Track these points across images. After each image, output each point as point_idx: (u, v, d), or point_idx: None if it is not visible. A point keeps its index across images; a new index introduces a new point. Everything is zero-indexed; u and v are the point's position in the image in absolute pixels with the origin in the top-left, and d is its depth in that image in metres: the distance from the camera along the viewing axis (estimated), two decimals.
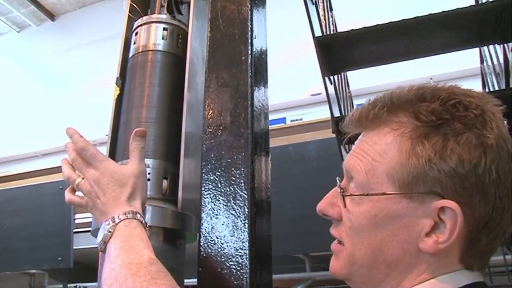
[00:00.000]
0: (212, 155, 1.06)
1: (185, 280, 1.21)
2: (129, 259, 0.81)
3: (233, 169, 1.03)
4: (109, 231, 0.87)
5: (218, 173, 1.04)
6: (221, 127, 1.08)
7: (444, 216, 0.65)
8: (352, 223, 0.72)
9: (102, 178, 0.94)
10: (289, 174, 3.79)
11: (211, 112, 1.11)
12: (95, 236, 0.93)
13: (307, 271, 4.62)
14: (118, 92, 1.30)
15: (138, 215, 0.91)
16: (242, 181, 1.01)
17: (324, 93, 3.06)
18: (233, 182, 1.02)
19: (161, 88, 1.22)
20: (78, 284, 5.79)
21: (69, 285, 5.77)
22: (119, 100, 1.29)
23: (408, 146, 0.68)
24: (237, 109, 1.08)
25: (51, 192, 5.06)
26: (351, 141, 0.81)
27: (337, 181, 0.77)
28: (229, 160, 1.04)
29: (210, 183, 1.04)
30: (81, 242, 5.24)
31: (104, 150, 1.16)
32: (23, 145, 9.04)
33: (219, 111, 1.10)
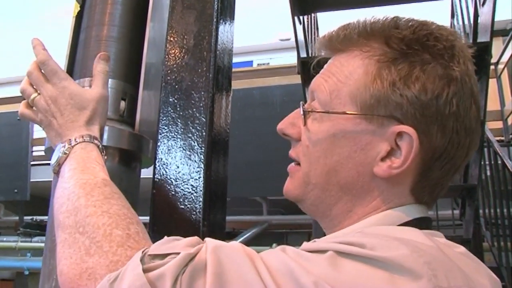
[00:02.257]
0: (173, 77, 1.04)
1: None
2: (83, 180, 0.80)
3: (193, 92, 1.01)
4: (65, 153, 0.85)
5: (178, 96, 1.02)
6: (183, 50, 1.05)
7: (401, 142, 0.66)
8: (310, 141, 0.72)
9: (60, 98, 0.90)
10: (252, 117, 3.78)
11: (174, 34, 1.08)
12: (50, 155, 0.91)
13: (264, 214, 4.72)
14: (79, 9, 1.24)
15: (96, 140, 0.89)
16: (201, 104, 1.00)
17: (293, 38, 3.02)
18: (192, 105, 1.00)
19: (124, 6, 1.17)
20: (34, 217, 5.75)
21: (25, 217, 5.73)
22: (79, 18, 1.23)
23: (375, 69, 0.68)
24: (201, 33, 1.06)
25: (8, 123, 4.90)
26: (320, 65, 0.80)
27: (300, 104, 0.76)
28: (189, 83, 1.02)
29: (169, 106, 1.02)
30: (38, 175, 5.17)
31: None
32: None
33: (183, 34, 1.07)
